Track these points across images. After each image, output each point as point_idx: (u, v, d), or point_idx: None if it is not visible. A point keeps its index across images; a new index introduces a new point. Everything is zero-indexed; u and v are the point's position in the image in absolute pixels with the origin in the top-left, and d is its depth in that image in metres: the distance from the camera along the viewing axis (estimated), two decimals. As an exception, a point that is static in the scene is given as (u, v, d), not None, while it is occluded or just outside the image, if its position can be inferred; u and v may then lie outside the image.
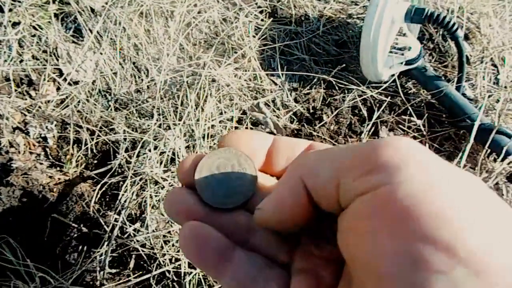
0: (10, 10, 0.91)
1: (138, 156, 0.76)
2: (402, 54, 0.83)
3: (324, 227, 0.24)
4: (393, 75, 0.86)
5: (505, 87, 0.88)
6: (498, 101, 0.83)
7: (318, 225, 0.24)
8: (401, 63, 0.84)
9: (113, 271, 0.67)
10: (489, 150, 0.71)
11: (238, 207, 0.25)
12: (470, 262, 0.14)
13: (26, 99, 0.85)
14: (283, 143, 0.27)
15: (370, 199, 0.17)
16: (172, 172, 0.74)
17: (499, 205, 0.16)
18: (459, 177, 0.17)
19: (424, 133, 0.82)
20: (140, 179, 0.73)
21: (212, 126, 0.81)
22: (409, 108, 0.83)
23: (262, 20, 1.00)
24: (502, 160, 0.67)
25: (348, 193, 0.19)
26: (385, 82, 0.86)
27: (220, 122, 0.82)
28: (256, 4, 1.03)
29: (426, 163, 0.17)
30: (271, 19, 1.00)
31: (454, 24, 0.78)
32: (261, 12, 1.02)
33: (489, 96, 0.86)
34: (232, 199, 0.25)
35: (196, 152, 0.76)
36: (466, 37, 0.97)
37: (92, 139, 0.80)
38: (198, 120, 0.80)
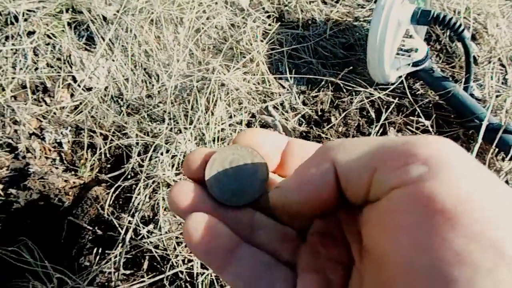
0: (25, 20, 0.94)
1: (150, 159, 0.78)
2: (409, 56, 0.84)
3: (332, 227, 0.23)
4: (400, 76, 0.87)
5: (514, 86, 0.88)
6: (505, 100, 0.83)
7: (326, 224, 0.23)
8: (408, 64, 0.85)
9: (127, 272, 0.68)
10: (497, 149, 0.71)
11: (245, 206, 0.25)
12: None
13: (41, 106, 0.88)
14: (298, 146, 0.26)
15: (409, 193, 0.17)
16: (184, 175, 0.76)
17: None
18: (499, 183, 0.17)
19: (433, 133, 0.82)
20: (153, 182, 0.74)
21: (222, 129, 0.83)
22: (417, 109, 0.84)
23: (269, 24, 1.02)
24: (510, 159, 0.67)
25: (383, 184, 0.18)
26: (393, 84, 0.87)
27: (229, 125, 0.83)
28: (264, 9, 1.05)
29: (469, 165, 0.17)
30: (279, 23, 1.02)
31: (460, 25, 0.78)
32: (268, 17, 1.04)
33: (497, 96, 0.86)
34: (241, 197, 0.25)
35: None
36: (474, 38, 0.98)
37: (106, 143, 0.82)
38: (208, 123, 0.81)
